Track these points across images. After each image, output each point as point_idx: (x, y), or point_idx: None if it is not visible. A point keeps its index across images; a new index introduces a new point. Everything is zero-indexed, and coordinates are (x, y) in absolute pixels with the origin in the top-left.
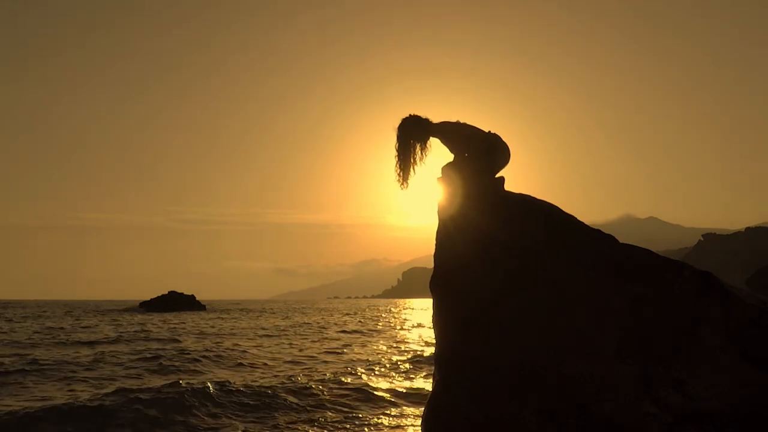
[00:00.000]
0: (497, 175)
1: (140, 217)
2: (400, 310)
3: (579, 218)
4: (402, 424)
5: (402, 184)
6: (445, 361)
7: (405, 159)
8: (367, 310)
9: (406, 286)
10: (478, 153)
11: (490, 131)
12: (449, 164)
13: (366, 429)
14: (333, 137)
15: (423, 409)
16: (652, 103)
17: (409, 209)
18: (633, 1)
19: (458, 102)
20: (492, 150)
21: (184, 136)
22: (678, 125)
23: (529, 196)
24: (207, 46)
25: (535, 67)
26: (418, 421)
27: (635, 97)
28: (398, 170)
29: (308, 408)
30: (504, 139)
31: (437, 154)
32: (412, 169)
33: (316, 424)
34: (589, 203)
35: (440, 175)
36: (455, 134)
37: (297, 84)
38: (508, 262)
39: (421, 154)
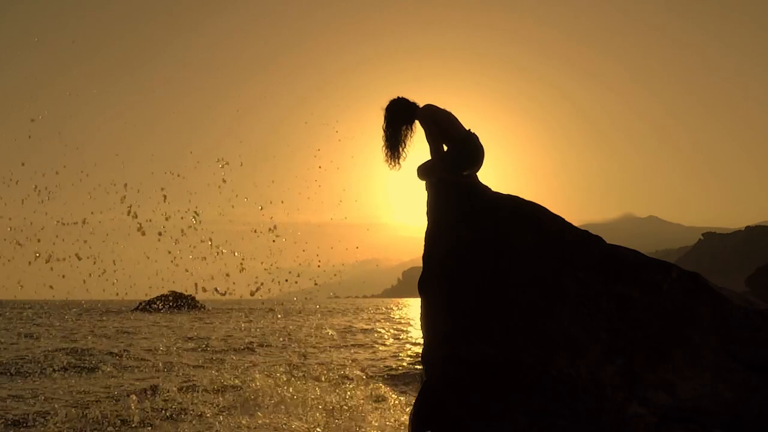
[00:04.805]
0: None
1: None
2: None
3: (579, 217)
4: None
5: (391, 165)
6: (433, 361)
7: (392, 140)
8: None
9: (406, 285)
10: (460, 151)
11: (469, 130)
12: (437, 164)
13: None
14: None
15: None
16: (652, 102)
17: (408, 209)
18: (634, 3)
19: (455, 93)
20: (474, 149)
21: (183, 135)
22: (678, 124)
23: (517, 197)
24: (207, 45)
25: (535, 62)
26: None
27: (635, 96)
28: (386, 151)
29: None
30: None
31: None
32: (400, 150)
33: None
34: (589, 202)
35: (423, 173)
36: (439, 122)
37: (296, 78)
38: (496, 263)
39: (408, 136)
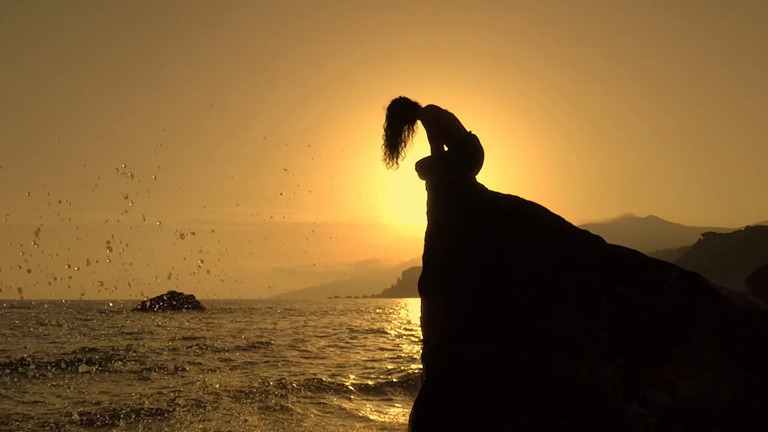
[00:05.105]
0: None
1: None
2: None
3: (579, 217)
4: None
5: (389, 164)
6: (433, 361)
7: (393, 139)
8: None
9: (406, 285)
10: (460, 151)
11: (470, 131)
12: (436, 161)
13: None
14: (333, 135)
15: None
16: (652, 102)
17: (408, 209)
18: (634, 3)
19: (455, 93)
20: (474, 150)
21: (184, 135)
22: (678, 125)
23: (517, 197)
24: (207, 48)
25: (535, 62)
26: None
27: (635, 96)
28: (385, 150)
29: None
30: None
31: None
32: (400, 150)
33: None
34: (589, 202)
35: (421, 169)
36: (441, 122)
37: (293, 76)
38: (496, 263)
39: (409, 136)
